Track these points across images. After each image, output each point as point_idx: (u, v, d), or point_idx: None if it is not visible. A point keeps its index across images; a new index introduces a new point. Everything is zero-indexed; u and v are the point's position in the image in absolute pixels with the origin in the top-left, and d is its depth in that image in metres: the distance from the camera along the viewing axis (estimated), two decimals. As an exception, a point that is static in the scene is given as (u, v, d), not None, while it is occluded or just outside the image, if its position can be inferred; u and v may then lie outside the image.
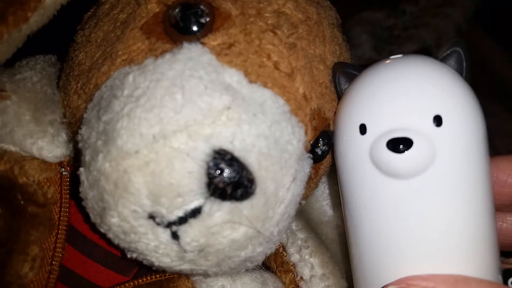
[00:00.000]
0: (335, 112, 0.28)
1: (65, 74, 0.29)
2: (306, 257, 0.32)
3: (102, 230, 0.24)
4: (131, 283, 0.27)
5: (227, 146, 0.22)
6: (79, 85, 0.27)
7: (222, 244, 0.23)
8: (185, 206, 0.22)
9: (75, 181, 0.25)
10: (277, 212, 0.24)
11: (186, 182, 0.22)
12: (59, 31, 0.31)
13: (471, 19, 0.57)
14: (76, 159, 0.27)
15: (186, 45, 0.24)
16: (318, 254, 0.32)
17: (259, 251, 0.25)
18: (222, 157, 0.22)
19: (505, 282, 0.26)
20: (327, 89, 0.28)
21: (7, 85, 0.28)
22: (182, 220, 0.22)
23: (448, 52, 0.25)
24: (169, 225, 0.23)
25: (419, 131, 0.23)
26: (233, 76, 0.24)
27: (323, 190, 0.38)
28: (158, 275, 0.28)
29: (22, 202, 0.26)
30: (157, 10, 0.26)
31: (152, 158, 0.22)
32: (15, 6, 0.26)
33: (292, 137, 0.25)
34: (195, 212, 0.22)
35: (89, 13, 0.30)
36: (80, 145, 0.25)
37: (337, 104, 0.28)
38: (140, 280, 0.27)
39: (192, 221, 0.22)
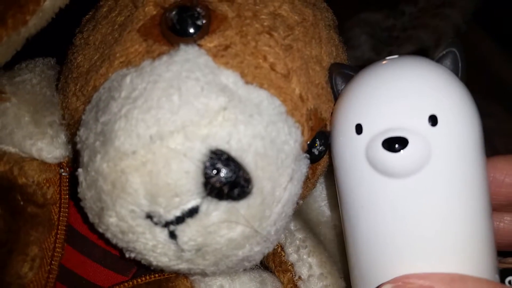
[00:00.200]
0: (331, 113, 0.28)
1: (64, 77, 0.29)
2: (304, 256, 0.32)
3: (100, 230, 0.24)
4: (130, 283, 0.27)
5: (223, 146, 0.22)
6: (78, 87, 0.27)
7: (220, 244, 0.23)
8: (183, 206, 0.22)
9: (74, 182, 0.26)
10: (274, 211, 0.25)
11: (183, 182, 0.22)
12: (58, 34, 0.32)
13: (470, 19, 0.57)
14: (74, 160, 0.28)
15: (183, 47, 0.24)
16: (316, 254, 0.32)
17: (257, 250, 0.25)
18: (218, 157, 0.22)
19: (502, 281, 0.26)
20: (324, 90, 0.28)
21: (7, 88, 0.29)
22: (180, 220, 0.23)
23: (444, 52, 0.26)
24: (166, 224, 0.23)
25: (414, 131, 0.23)
26: (229, 77, 0.24)
27: (321, 191, 0.38)
28: (157, 275, 0.28)
29: (21, 203, 0.27)
30: (154, 12, 0.26)
31: (149, 158, 0.22)
32: (14, 10, 0.26)
33: (289, 138, 0.25)
34: (192, 212, 0.22)
35: (87, 16, 0.31)
36: (79, 146, 0.25)
37: (334, 104, 0.28)
38: (139, 280, 0.27)
39: (189, 221, 0.23)
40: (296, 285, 0.32)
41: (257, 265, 0.31)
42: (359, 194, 0.25)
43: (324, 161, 0.31)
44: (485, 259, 0.24)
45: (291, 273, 0.32)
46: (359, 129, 0.24)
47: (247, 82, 0.24)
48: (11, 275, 0.26)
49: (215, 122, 0.22)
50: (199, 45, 0.25)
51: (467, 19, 0.57)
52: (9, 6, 0.26)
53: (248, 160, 0.23)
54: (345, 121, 0.25)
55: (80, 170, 0.24)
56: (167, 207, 0.22)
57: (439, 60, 0.26)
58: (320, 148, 0.28)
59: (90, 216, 0.24)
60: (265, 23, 0.26)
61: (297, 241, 0.33)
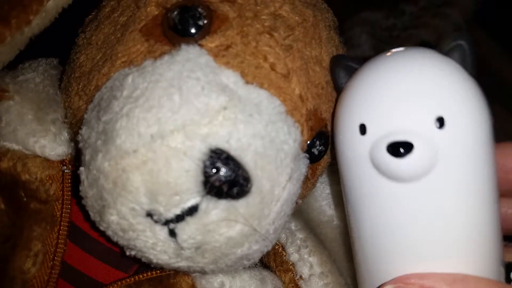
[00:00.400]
0: (334, 108, 0.27)
1: (67, 76, 0.30)
2: (305, 256, 0.32)
3: (101, 228, 0.25)
4: (132, 279, 0.28)
5: (223, 145, 0.23)
6: (80, 86, 0.28)
7: (219, 242, 0.24)
8: (182, 204, 0.23)
9: (76, 180, 0.26)
10: (273, 210, 0.25)
11: (183, 180, 0.22)
12: (60, 34, 0.32)
13: (470, 19, 0.57)
14: (77, 159, 0.28)
15: (184, 47, 0.25)
16: (317, 253, 0.32)
17: (255, 249, 0.25)
18: (218, 156, 0.22)
19: (508, 274, 0.26)
20: (324, 90, 0.28)
21: (10, 86, 0.29)
22: (179, 218, 0.23)
23: (453, 45, 0.24)
24: (166, 222, 0.23)
25: (420, 134, 0.22)
26: (230, 77, 0.24)
27: (322, 191, 0.38)
28: (158, 271, 0.28)
29: (24, 199, 0.27)
30: (156, 13, 0.26)
31: (150, 157, 0.22)
32: (18, 10, 0.26)
33: (288, 137, 0.25)
34: (192, 210, 0.23)
35: (90, 16, 0.31)
36: (81, 145, 0.25)
37: (337, 99, 0.27)
38: (140, 276, 0.28)
39: (189, 219, 0.23)
40: (297, 285, 0.32)
41: (257, 264, 0.32)
42: (363, 195, 0.24)
43: (324, 161, 0.31)
44: (489, 256, 0.24)
45: (292, 273, 0.32)
46: (363, 129, 0.23)
47: (247, 82, 0.25)
48: (15, 270, 0.26)
49: (215, 122, 0.23)
50: (200, 45, 0.25)
51: (468, 19, 0.57)
52: (13, 7, 0.26)
53: (248, 159, 0.23)
54: (348, 120, 0.24)
55: (82, 168, 0.25)
56: (167, 206, 0.22)
57: (447, 53, 0.24)
58: (320, 148, 0.28)
59: (92, 214, 0.25)
60: (266, 24, 0.26)
61: (298, 241, 0.33)
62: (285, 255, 0.33)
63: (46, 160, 0.28)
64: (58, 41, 0.33)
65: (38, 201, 0.27)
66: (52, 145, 0.28)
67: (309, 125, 0.27)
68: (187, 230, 0.23)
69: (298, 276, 0.32)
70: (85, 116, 0.26)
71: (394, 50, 0.25)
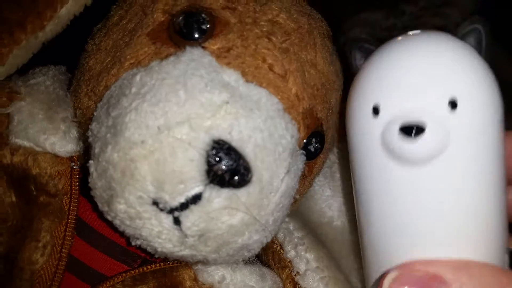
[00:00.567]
0: (349, 90, 0.26)
1: (76, 80, 0.31)
2: (302, 253, 0.33)
3: (109, 218, 0.26)
4: (136, 271, 0.29)
5: (225, 136, 0.24)
6: (90, 87, 0.29)
7: (221, 229, 0.25)
8: (187, 193, 0.24)
9: (83, 178, 0.27)
10: (272, 201, 0.26)
11: (187, 169, 0.23)
12: (68, 44, 0.34)
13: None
14: (85, 156, 0.29)
15: (188, 49, 0.27)
16: (314, 250, 0.34)
17: (255, 239, 0.27)
18: (221, 146, 0.24)
19: None
20: (319, 92, 0.30)
21: (22, 89, 0.31)
22: (184, 206, 0.24)
23: (468, 29, 0.24)
24: (171, 211, 0.24)
25: (433, 116, 0.22)
26: (231, 76, 0.26)
27: (321, 193, 0.39)
28: (162, 263, 0.29)
29: (34, 192, 0.28)
30: (163, 18, 0.28)
31: (157, 147, 0.24)
32: (33, 15, 0.28)
33: (286, 133, 0.27)
34: (196, 198, 0.24)
35: (98, 25, 0.33)
36: (90, 139, 0.27)
37: (352, 81, 0.26)
38: (144, 268, 0.29)
39: (192, 207, 0.24)
40: (295, 280, 0.33)
41: (258, 261, 0.33)
42: (372, 178, 0.24)
43: (320, 160, 0.33)
44: (494, 243, 0.23)
45: (289, 269, 0.33)
46: (376, 110, 0.23)
47: (247, 81, 0.26)
48: (24, 261, 0.27)
49: (218, 115, 0.24)
50: (204, 47, 0.27)
51: (468, 19, 0.58)
52: (29, 13, 0.28)
53: (248, 151, 0.25)
54: (361, 101, 0.24)
55: (91, 161, 0.26)
56: (173, 194, 0.24)
57: (463, 37, 0.24)
58: (316, 146, 0.30)
59: (100, 205, 0.26)
60: (264, 29, 0.28)
61: (296, 239, 0.34)
62: (283, 253, 0.34)
63: (56, 156, 0.29)
64: (67, 52, 0.35)
65: (48, 194, 0.29)
66: (61, 142, 0.29)
67: (306, 123, 0.29)
68: (191, 218, 0.24)
69: (295, 272, 0.33)
70: (95, 113, 0.27)
71: (410, 32, 0.24)
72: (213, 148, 0.24)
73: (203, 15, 0.27)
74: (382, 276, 0.23)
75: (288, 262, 0.33)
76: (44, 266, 0.28)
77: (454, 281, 0.21)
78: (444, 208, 0.23)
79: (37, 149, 0.29)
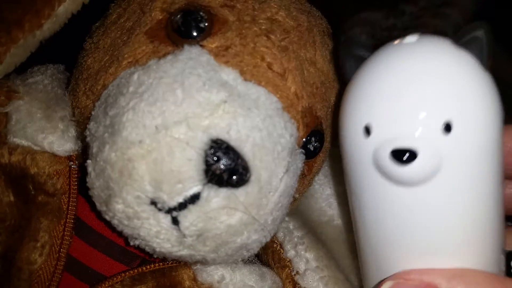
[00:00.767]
0: (340, 105, 0.25)
1: (74, 78, 0.31)
2: (302, 252, 0.33)
3: (107, 218, 0.26)
4: (135, 271, 0.28)
5: (223, 136, 0.24)
6: (88, 86, 0.29)
7: (219, 229, 0.25)
8: (185, 192, 0.24)
9: (81, 177, 0.27)
10: (271, 200, 0.26)
11: (185, 169, 0.23)
12: (66, 44, 0.34)
13: (470, 19, 0.58)
14: (83, 155, 0.29)
15: (186, 47, 0.26)
16: (313, 249, 0.33)
17: (254, 238, 0.26)
18: (219, 146, 0.24)
19: (508, 263, 0.25)
20: (318, 90, 0.30)
21: (20, 88, 0.31)
22: (182, 206, 0.24)
23: (471, 36, 0.23)
24: (169, 211, 0.24)
25: (426, 141, 0.21)
26: (229, 74, 0.26)
27: (321, 192, 0.39)
28: (161, 263, 0.29)
29: (33, 192, 0.28)
30: (161, 17, 0.28)
31: (155, 147, 0.23)
32: (31, 14, 0.28)
33: (285, 132, 0.26)
34: (194, 198, 0.24)
35: (97, 24, 0.33)
36: (88, 139, 0.27)
37: (343, 92, 0.25)
38: (144, 268, 0.29)
39: (191, 207, 0.24)
40: (294, 280, 0.33)
41: (257, 261, 0.33)
42: (366, 195, 0.24)
43: (320, 159, 0.32)
44: (489, 250, 0.23)
45: (289, 269, 0.33)
46: (367, 130, 0.22)
47: (245, 79, 0.26)
48: (22, 261, 0.27)
49: (216, 114, 0.24)
50: (202, 46, 0.27)
51: (468, 19, 0.58)
52: (27, 11, 0.28)
53: (246, 150, 0.24)
54: (352, 120, 0.24)
55: (89, 161, 0.26)
56: (171, 194, 0.24)
57: (465, 44, 0.23)
58: (315, 145, 0.30)
59: (98, 205, 0.26)
60: (263, 27, 0.28)
61: (295, 239, 0.34)
62: (282, 253, 0.34)
63: (54, 155, 0.29)
64: (65, 51, 0.35)
65: (46, 194, 0.29)
66: (59, 142, 0.29)
67: (305, 122, 0.29)
68: (189, 218, 0.24)
69: (294, 272, 0.33)
70: (93, 112, 0.27)
71: (407, 39, 0.23)
72: (211, 147, 0.24)
73: (201, 13, 0.27)
74: (378, 285, 0.23)
75: (288, 261, 0.33)
76: (42, 266, 0.28)
77: None
78: (439, 224, 0.22)
79: (35, 148, 0.29)
